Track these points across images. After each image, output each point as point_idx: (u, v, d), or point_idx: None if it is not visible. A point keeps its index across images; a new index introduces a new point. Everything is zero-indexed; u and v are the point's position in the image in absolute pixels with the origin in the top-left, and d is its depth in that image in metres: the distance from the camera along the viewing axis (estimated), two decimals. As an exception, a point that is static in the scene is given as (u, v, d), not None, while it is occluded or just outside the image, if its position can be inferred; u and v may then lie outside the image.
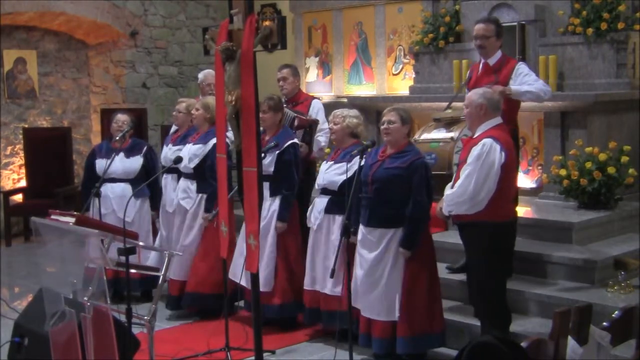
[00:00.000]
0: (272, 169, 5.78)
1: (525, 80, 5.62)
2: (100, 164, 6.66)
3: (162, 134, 8.45)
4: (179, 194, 6.36)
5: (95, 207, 6.63)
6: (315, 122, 6.55)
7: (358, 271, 5.14)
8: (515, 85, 5.56)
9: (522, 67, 5.73)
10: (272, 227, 5.82)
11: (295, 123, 6.41)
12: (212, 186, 6.05)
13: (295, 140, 5.95)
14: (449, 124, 5.69)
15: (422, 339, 5.02)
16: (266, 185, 5.79)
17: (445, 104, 6.15)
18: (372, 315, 5.08)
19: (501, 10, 7.47)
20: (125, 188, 6.60)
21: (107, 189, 6.61)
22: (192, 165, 6.22)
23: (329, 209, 5.51)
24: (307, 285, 5.69)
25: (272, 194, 5.83)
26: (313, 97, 6.83)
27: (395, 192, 4.96)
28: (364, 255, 5.10)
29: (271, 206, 5.82)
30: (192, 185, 6.29)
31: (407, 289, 4.99)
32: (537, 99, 5.70)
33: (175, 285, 6.35)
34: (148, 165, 6.76)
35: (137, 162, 6.76)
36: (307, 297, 5.69)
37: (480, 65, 5.88)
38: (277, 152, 5.79)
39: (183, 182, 6.37)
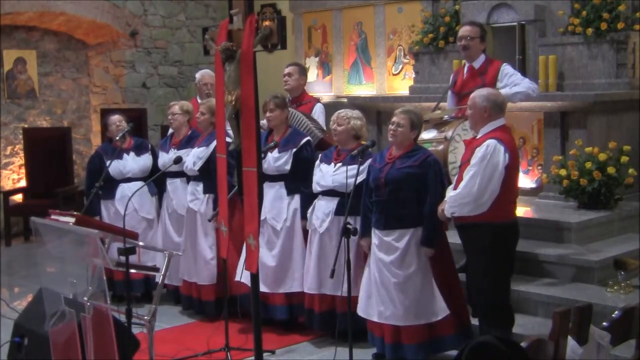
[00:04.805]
0: (288, 167, 5.74)
1: (512, 80, 5.73)
2: (115, 165, 6.56)
3: (162, 134, 8.43)
4: (188, 196, 6.34)
5: (108, 210, 6.62)
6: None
7: (375, 276, 5.03)
8: (502, 87, 5.61)
9: (507, 68, 5.82)
10: (298, 227, 5.75)
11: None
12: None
13: (309, 137, 5.90)
14: (440, 124, 5.71)
15: (471, 331, 5.04)
16: (281, 185, 5.77)
17: (434, 104, 6.17)
18: (397, 321, 4.92)
19: (501, 10, 7.47)
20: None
21: (124, 189, 6.60)
22: (197, 167, 6.22)
23: (340, 211, 5.36)
24: (312, 289, 5.53)
25: (290, 192, 5.78)
26: (317, 100, 6.65)
27: (410, 192, 4.93)
28: (383, 259, 5.00)
29: (290, 205, 5.77)
30: (199, 187, 6.28)
31: (444, 286, 4.96)
32: (527, 98, 5.81)
33: (208, 290, 6.21)
34: (155, 163, 6.75)
35: (149, 159, 6.79)
36: (315, 301, 5.54)
37: (465, 69, 5.97)
38: (294, 150, 5.74)
39: (190, 185, 6.35)
